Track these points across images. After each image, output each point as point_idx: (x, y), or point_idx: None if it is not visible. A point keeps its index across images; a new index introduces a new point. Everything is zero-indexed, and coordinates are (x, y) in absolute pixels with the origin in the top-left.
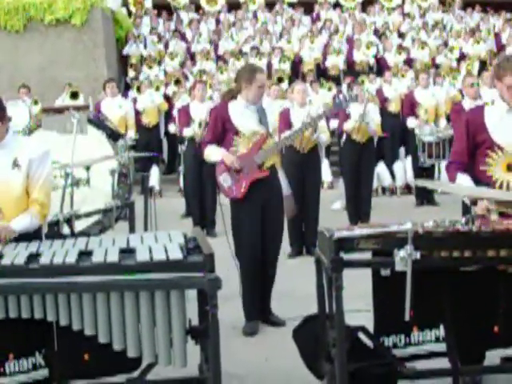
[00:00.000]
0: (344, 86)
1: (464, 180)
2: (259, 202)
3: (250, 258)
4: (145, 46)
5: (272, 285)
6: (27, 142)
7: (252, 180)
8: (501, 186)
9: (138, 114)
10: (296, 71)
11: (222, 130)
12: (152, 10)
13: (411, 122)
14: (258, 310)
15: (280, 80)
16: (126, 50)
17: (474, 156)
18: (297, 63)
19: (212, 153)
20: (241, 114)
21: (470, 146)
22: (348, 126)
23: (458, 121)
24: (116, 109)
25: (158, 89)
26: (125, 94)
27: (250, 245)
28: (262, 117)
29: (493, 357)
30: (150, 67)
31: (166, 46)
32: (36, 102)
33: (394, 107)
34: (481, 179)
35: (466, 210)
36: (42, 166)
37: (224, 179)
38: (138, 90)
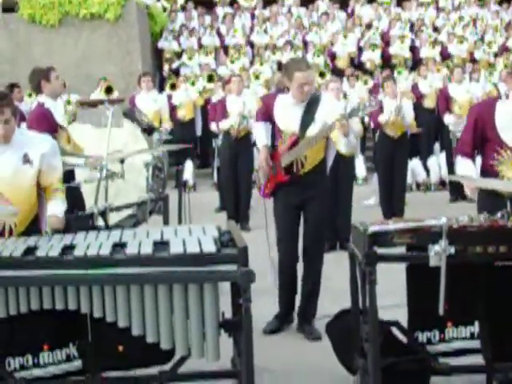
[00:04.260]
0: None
1: (465, 164)
2: (295, 203)
3: (283, 257)
4: (178, 42)
5: (316, 295)
6: (34, 136)
7: (275, 183)
8: None
9: (173, 108)
10: (330, 65)
11: (267, 117)
12: (187, 5)
13: (448, 118)
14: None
15: (322, 75)
16: (161, 44)
17: (484, 148)
18: (330, 57)
19: (257, 136)
20: (284, 111)
21: (476, 140)
22: (382, 119)
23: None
24: (151, 103)
25: (193, 84)
26: (160, 89)
27: (282, 243)
28: (308, 115)
29: None
30: (190, 58)
31: (200, 40)
32: (69, 102)
33: (429, 103)
34: (488, 172)
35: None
36: (55, 158)
37: (259, 176)
38: (173, 87)
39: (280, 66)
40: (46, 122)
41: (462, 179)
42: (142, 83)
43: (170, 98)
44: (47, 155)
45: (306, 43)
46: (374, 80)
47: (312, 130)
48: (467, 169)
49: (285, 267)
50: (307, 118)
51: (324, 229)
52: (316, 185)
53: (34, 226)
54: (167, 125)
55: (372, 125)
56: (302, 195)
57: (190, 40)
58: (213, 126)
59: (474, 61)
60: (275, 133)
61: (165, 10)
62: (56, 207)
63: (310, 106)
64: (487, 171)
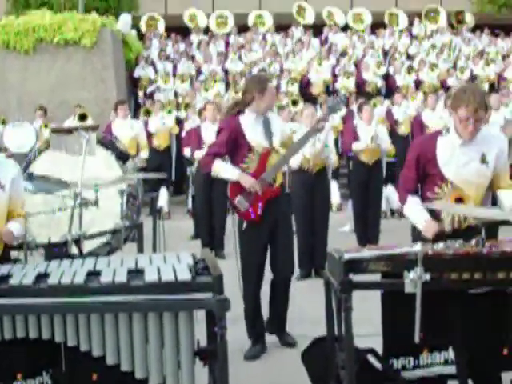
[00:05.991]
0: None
1: (415, 202)
2: (269, 221)
3: (255, 280)
4: (155, 69)
5: (286, 309)
6: (2, 161)
7: (266, 199)
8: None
9: (149, 136)
10: (304, 93)
11: (234, 145)
12: (163, 32)
13: None
14: (261, 337)
15: (294, 103)
16: (137, 73)
17: (424, 180)
18: (305, 85)
19: (224, 170)
20: (252, 129)
21: (419, 176)
22: (358, 147)
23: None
24: (127, 130)
25: (170, 112)
26: (135, 116)
27: (256, 266)
28: (266, 129)
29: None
30: (166, 81)
31: (175, 68)
32: (46, 126)
33: (403, 129)
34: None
35: None
36: (21, 183)
37: (239, 202)
38: (147, 112)
39: None
40: None
41: (436, 206)
42: (118, 110)
43: (146, 124)
44: (16, 180)
45: (282, 71)
46: (349, 107)
47: (275, 141)
48: (418, 208)
49: (251, 295)
50: (268, 130)
51: (292, 247)
52: (283, 205)
53: (5, 253)
54: (144, 153)
55: (345, 150)
56: (273, 216)
57: (166, 65)
58: (186, 152)
59: (447, 88)
60: (240, 155)
61: (141, 37)
62: (14, 225)
63: (266, 121)
64: (425, 202)
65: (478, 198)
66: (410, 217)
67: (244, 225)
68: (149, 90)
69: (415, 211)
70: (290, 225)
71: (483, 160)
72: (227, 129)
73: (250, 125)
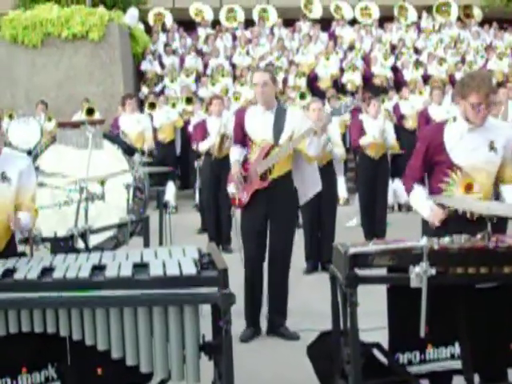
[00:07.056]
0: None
1: (420, 192)
2: (262, 212)
3: (250, 267)
4: (160, 64)
5: (283, 298)
6: (10, 154)
7: (252, 190)
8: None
9: (154, 130)
10: (312, 87)
11: (241, 134)
12: (171, 26)
13: None
14: (255, 320)
15: (302, 97)
16: (144, 66)
17: (432, 170)
18: (312, 79)
19: (231, 155)
20: (255, 121)
21: (426, 165)
22: (365, 141)
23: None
24: (135, 124)
25: (174, 106)
26: (140, 110)
27: (250, 253)
28: (277, 123)
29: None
30: (172, 81)
31: (182, 61)
32: (50, 119)
33: (410, 124)
34: (435, 194)
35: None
36: (31, 177)
37: (231, 188)
38: (152, 106)
39: None
40: None
41: (443, 200)
42: (126, 105)
43: (151, 118)
44: (24, 173)
45: (290, 64)
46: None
47: (283, 138)
48: (423, 197)
49: (250, 280)
50: (278, 126)
51: (291, 238)
52: (282, 195)
53: (11, 246)
54: (147, 145)
55: (353, 145)
56: (268, 204)
57: (173, 60)
58: (195, 147)
59: (454, 82)
60: (246, 145)
61: (148, 31)
62: (23, 214)
63: (279, 115)
64: (434, 193)
65: (487, 186)
66: (415, 204)
67: (232, 210)
68: (158, 88)
69: (421, 199)
70: (290, 220)
71: (491, 147)
72: (235, 119)
73: (253, 117)
